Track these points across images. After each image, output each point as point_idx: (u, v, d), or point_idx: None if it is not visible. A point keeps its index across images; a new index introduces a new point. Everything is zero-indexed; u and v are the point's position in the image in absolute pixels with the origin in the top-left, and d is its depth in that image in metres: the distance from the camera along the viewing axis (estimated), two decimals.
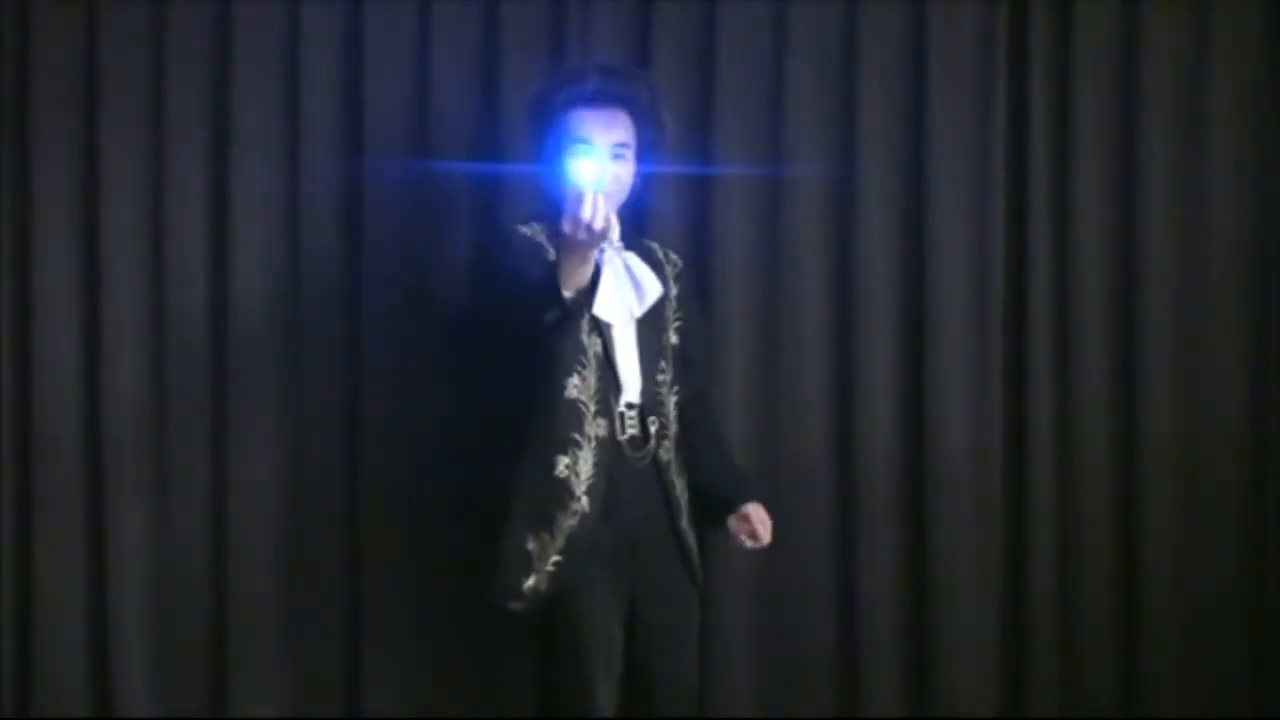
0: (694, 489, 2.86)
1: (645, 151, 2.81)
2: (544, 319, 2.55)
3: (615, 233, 2.65)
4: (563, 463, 2.69)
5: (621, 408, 2.74)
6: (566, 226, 2.44)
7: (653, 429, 2.76)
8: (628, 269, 2.74)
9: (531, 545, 2.68)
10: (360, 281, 3.29)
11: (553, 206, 2.73)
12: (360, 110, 3.29)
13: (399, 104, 3.29)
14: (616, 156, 2.74)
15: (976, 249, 3.30)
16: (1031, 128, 3.30)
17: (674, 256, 2.93)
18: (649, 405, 2.76)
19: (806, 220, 3.30)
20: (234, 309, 3.30)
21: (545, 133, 2.78)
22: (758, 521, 2.80)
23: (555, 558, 2.68)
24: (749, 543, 2.81)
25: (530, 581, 2.68)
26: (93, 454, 3.31)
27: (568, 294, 2.52)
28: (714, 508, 2.86)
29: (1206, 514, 3.31)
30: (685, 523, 2.80)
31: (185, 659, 3.33)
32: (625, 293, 2.73)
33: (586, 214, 2.41)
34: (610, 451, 2.71)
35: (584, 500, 2.69)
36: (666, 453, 2.78)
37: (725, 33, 3.28)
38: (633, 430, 2.75)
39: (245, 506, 3.31)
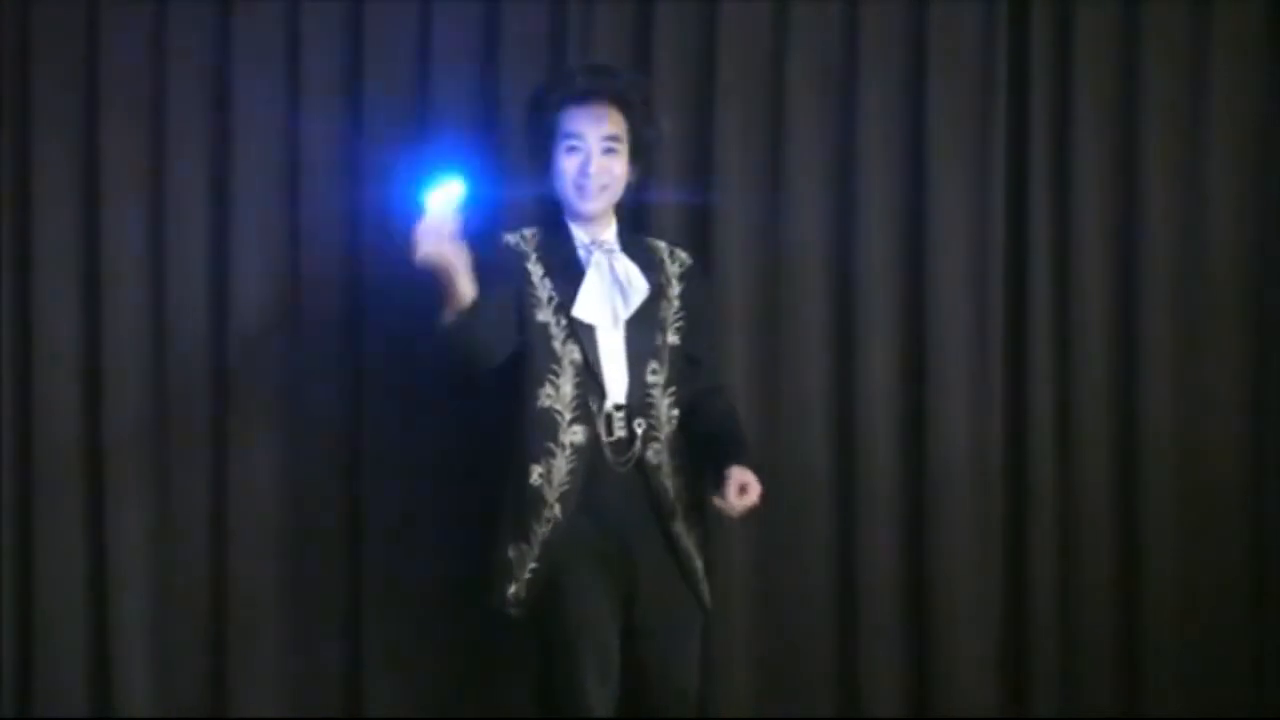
0: (699, 462, 2.79)
1: (641, 149, 2.81)
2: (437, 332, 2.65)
3: (611, 232, 2.73)
4: (536, 472, 2.70)
5: (608, 410, 2.72)
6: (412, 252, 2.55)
7: (639, 430, 2.73)
8: (613, 271, 2.76)
9: (511, 554, 2.71)
10: (361, 282, 3.30)
11: (548, 210, 2.79)
12: (360, 110, 3.29)
13: (399, 104, 3.29)
14: (608, 151, 2.75)
15: (976, 249, 3.30)
16: (1031, 128, 3.30)
17: (681, 255, 2.90)
18: (636, 407, 2.74)
19: (806, 220, 3.30)
20: (234, 309, 3.30)
21: (539, 135, 2.78)
22: (734, 483, 2.67)
23: (532, 565, 2.70)
24: (734, 505, 2.67)
25: (512, 589, 2.71)
26: (94, 453, 3.31)
27: (446, 319, 2.61)
28: (711, 476, 2.75)
29: (1206, 514, 3.31)
30: (679, 526, 2.76)
31: (185, 659, 3.33)
32: (610, 295, 2.75)
33: (419, 243, 2.53)
34: (590, 457, 2.70)
35: (556, 508, 2.70)
36: (656, 455, 2.74)
37: (725, 33, 3.28)
38: (620, 433, 2.73)
39: (245, 507, 3.31)
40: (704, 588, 2.80)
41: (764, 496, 2.71)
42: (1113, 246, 3.32)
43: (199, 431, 3.32)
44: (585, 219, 2.78)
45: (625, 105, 2.78)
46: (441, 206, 2.53)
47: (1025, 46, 3.30)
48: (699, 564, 2.80)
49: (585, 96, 2.75)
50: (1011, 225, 3.31)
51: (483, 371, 2.70)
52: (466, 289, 2.59)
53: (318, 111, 3.29)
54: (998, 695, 3.31)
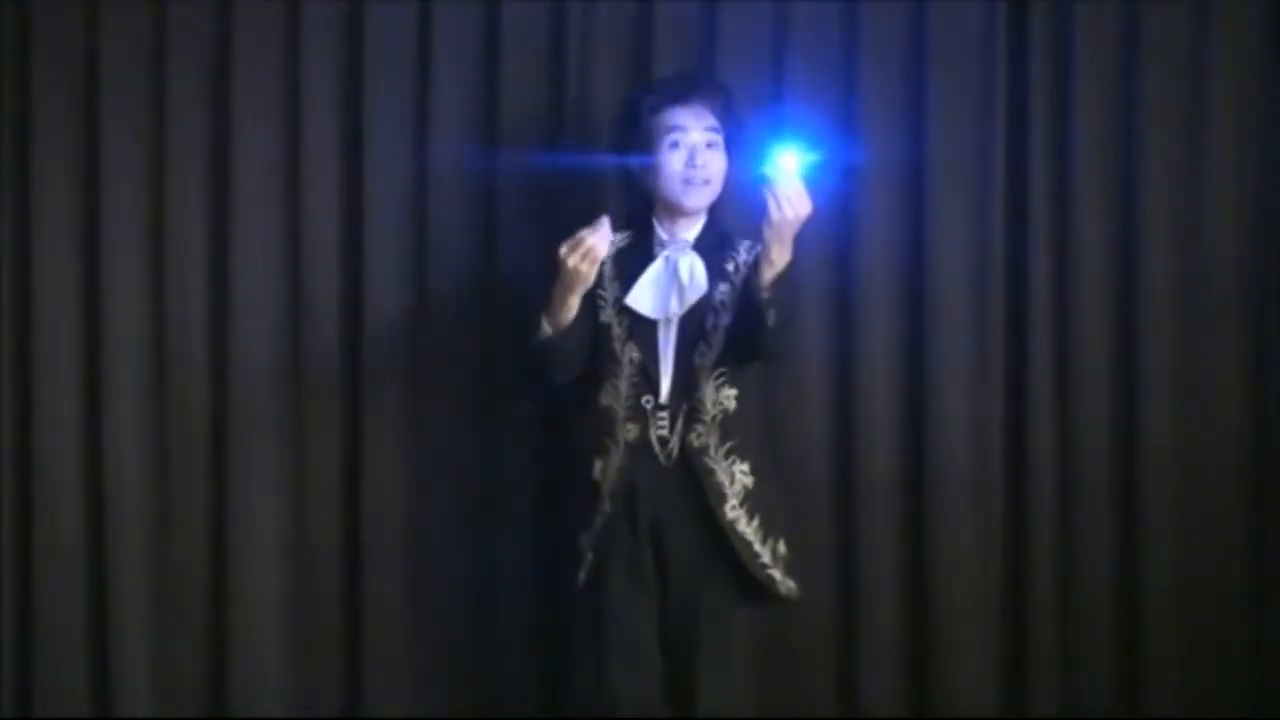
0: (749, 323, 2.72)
1: (731, 148, 2.87)
2: (530, 342, 2.74)
3: (695, 230, 2.82)
4: (598, 466, 2.83)
5: (659, 403, 2.77)
6: (562, 252, 2.62)
7: (681, 415, 2.77)
8: (676, 269, 2.80)
9: (583, 542, 2.84)
10: (361, 281, 3.30)
11: (642, 208, 2.85)
12: (360, 111, 3.29)
13: (399, 104, 3.29)
14: (710, 145, 2.82)
15: (976, 249, 3.29)
16: (1031, 128, 3.29)
17: (760, 247, 2.82)
18: (680, 391, 2.77)
19: (805, 220, 3.29)
20: (235, 309, 3.30)
21: (635, 137, 2.83)
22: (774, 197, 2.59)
23: (589, 555, 2.82)
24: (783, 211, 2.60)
25: (582, 575, 2.83)
26: (93, 452, 3.31)
27: (547, 331, 2.70)
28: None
29: (1206, 514, 3.31)
30: (734, 511, 2.77)
31: (185, 659, 3.33)
32: (667, 290, 2.80)
33: (571, 252, 2.60)
34: (637, 453, 2.77)
35: (607, 502, 2.80)
36: (699, 438, 2.77)
37: (726, 33, 3.28)
38: (663, 430, 2.77)
39: (245, 507, 3.31)
40: (775, 575, 2.81)
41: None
42: (1113, 245, 3.31)
43: (199, 430, 3.32)
44: (689, 214, 2.83)
45: (715, 105, 2.85)
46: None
47: (1025, 46, 3.29)
48: (764, 550, 2.80)
49: (683, 96, 2.82)
50: (1011, 225, 3.30)
51: (556, 385, 2.83)
52: (573, 309, 2.70)
53: (317, 112, 3.29)
54: (998, 695, 3.31)
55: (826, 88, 3.30)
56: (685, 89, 2.85)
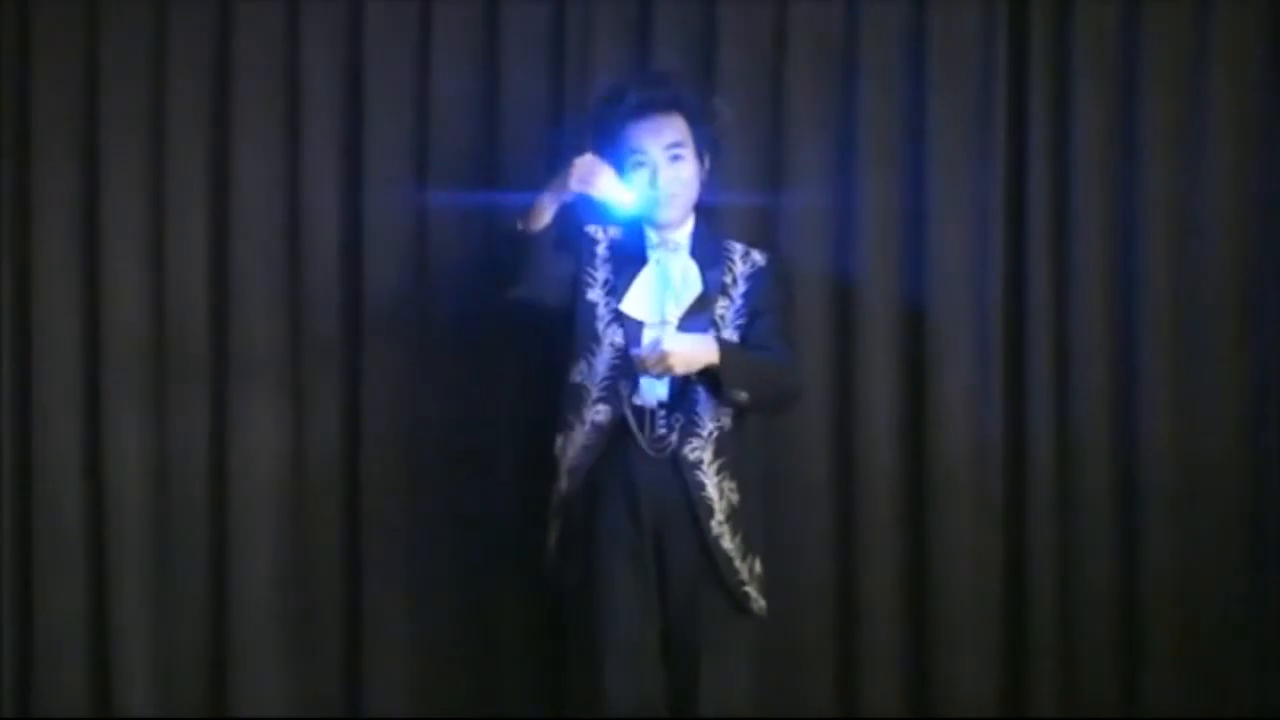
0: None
1: (707, 147, 2.85)
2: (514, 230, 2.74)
3: (684, 232, 2.82)
4: (558, 441, 2.82)
5: (651, 404, 2.76)
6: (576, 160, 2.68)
7: (676, 425, 2.76)
8: (670, 270, 2.79)
9: (550, 518, 2.86)
10: (360, 280, 3.30)
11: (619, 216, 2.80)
12: (360, 110, 3.29)
13: (399, 104, 3.29)
14: (674, 159, 2.79)
15: (976, 249, 3.29)
16: (1031, 127, 3.29)
17: (756, 256, 2.90)
18: (678, 402, 2.76)
19: (806, 221, 3.30)
20: (234, 309, 3.31)
21: (607, 149, 2.79)
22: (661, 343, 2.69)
23: (554, 534, 2.84)
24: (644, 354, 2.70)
25: (549, 546, 2.86)
26: (92, 454, 3.31)
27: (518, 225, 2.71)
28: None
29: (1206, 515, 3.31)
30: (720, 526, 2.77)
31: (185, 659, 3.34)
32: (662, 294, 2.79)
33: (582, 164, 2.66)
34: (613, 440, 2.76)
35: (564, 480, 2.81)
36: (694, 450, 2.76)
37: (725, 33, 3.28)
38: (662, 427, 2.76)
39: (245, 507, 3.31)
40: (750, 591, 2.80)
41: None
42: (1112, 245, 3.31)
43: (199, 430, 3.32)
44: (664, 227, 2.83)
45: (685, 108, 2.82)
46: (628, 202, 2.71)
47: (1025, 46, 3.30)
48: (742, 567, 2.79)
49: (641, 110, 2.79)
50: (1011, 224, 3.31)
51: (517, 299, 2.79)
52: (545, 214, 2.69)
53: (317, 111, 3.30)
54: (998, 695, 3.31)
55: (827, 89, 3.30)
56: (642, 104, 2.79)
